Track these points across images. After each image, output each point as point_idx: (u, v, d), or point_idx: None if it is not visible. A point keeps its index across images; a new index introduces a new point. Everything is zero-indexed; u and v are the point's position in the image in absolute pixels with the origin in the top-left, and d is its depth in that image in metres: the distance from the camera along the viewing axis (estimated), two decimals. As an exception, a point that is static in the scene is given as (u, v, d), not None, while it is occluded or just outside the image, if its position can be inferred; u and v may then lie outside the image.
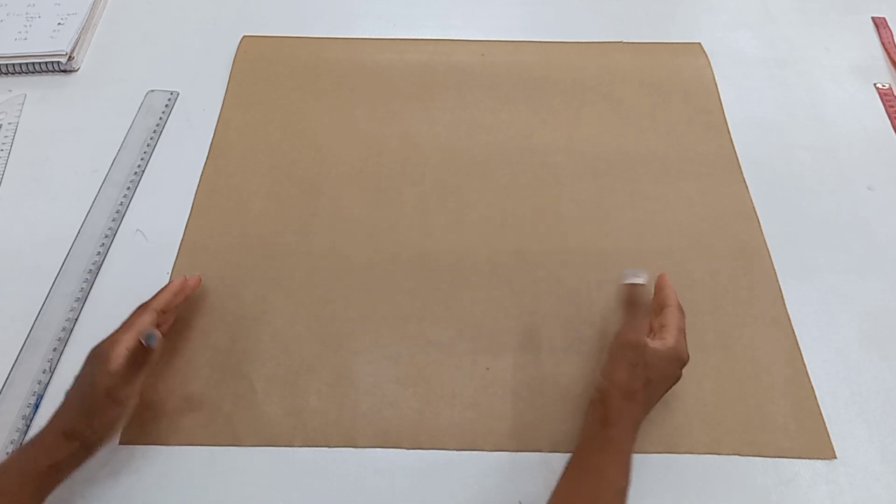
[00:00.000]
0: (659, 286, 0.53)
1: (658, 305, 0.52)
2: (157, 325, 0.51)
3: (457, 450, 0.51)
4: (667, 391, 0.49)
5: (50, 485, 0.43)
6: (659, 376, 0.48)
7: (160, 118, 0.71)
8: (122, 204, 0.64)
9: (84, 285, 0.59)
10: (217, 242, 0.62)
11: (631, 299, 0.50)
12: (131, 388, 0.46)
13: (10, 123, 0.71)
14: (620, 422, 0.46)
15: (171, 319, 0.55)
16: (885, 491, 0.50)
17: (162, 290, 0.53)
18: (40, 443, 0.44)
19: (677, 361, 0.48)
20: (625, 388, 0.46)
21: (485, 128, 0.71)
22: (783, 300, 0.59)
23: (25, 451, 0.44)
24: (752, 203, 0.65)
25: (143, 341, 0.46)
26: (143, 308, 0.50)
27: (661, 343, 0.48)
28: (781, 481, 0.50)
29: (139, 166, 0.67)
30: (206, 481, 0.50)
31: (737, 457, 0.51)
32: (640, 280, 0.50)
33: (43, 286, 0.59)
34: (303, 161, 0.68)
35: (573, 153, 0.69)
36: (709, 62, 0.77)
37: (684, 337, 0.50)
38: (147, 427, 0.51)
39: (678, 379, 0.49)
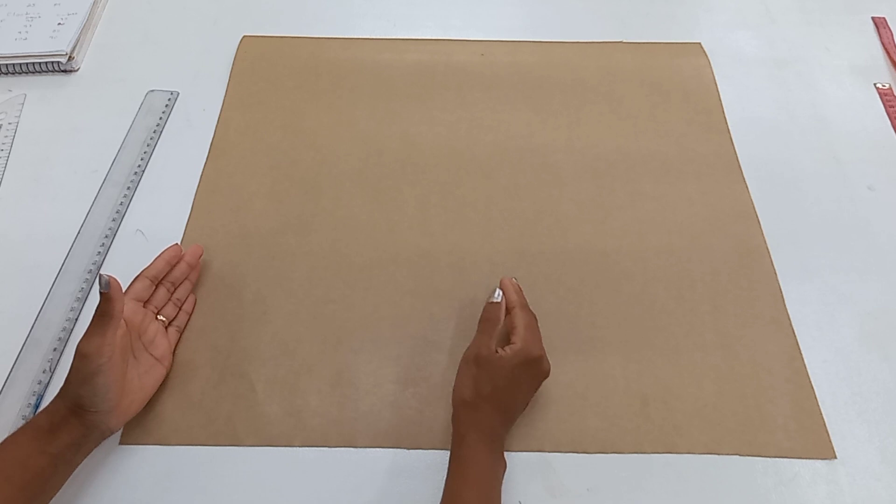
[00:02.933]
0: (503, 290, 0.52)
1: (507, 309, 0.52)
2: (167, 301, 0.55)
3: (457, 450, 0.51)
4: (531, 392, 0.50)
5: (53, 448, 0.44)
6: (508, 381, 0.48)
7: (160, 118, 0.71)
8: (122, 204, 0.64)
9: (84, 285, 0.59)
10: (217, 243, 0.62)
11: (486, 315, 0.51)
12: (98, 341, 0.44)
13: (10, 123, 0.71)
14: (469, 435, 0.46)
15: (188, 293, 0.57)
16: (885, 491, 0.50)
17: (156, 258, 0.55)
18: (36, 420, 0.45)
19: (528, 360, 0.49)
20: (467, 400, 0.48)
21: (485, 128, 0.71)
22: (783, 300, 0.59)
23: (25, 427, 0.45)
24: (752, 203, 0.65)
25: (100, 287, 0.44)
26: (136, 277, 0.53)
27: (509, 348, 0.49)
28: (781, 481, 0.50)
29: (139, 166, 0.67)
30: (206, 481, 0.50)
31: (737, 457, 0.51)
32: (498, 298, 0.51)
33: (43, 286, 0.59)
34: (303, 161, 0.68)
35: (573, 153, 0.69)
36: (709, 62, 0.77)
37: (533, 334, 0.50)
38: (147, 427, 0.51)
39: (543, 375, 0.50)
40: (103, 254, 0.61)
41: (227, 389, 0.54)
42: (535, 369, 0.50)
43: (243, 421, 0.52)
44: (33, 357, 0.54)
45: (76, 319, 0.57)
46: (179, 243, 0.60)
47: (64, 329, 0.56)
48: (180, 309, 0.56)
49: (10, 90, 0.73)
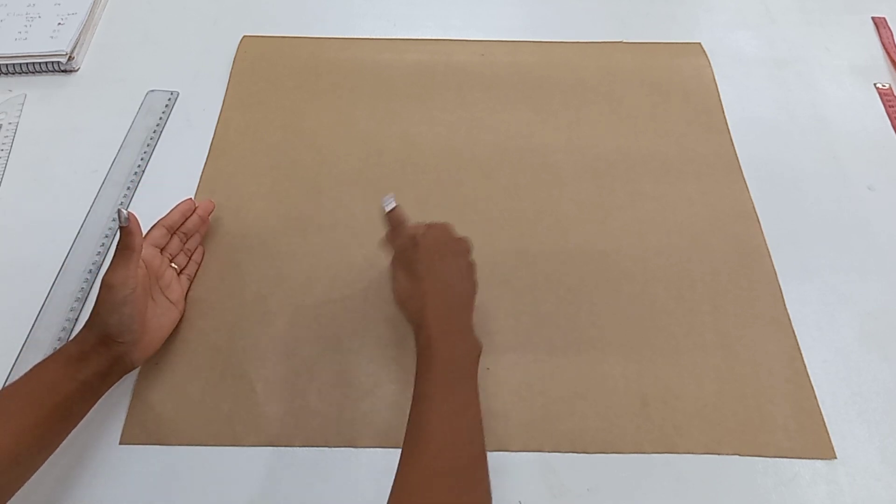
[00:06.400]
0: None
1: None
2: (180, 250, 0.58)
3: (457, 450, 0.51)
4: (466, 269, 0.51)
5: (82, 375, 0.46)
6: (436, 255, 0.50)
7: (160, 118, 0.71)
8: (122, 204, 0.64)
9: (84, 285, 0.59)
10: (217, 243, 0.62)
11: (391, 223, 0.53)
12: (123, 272, 0.47)
13: (10, 123, 0.71)
14: (424, 322, 0.47)
15: (198, 244, 0.60)
16: (885, 491, 0.50)
17: (171, 209, 0.58)
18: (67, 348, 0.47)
19: (443, 236, 0.52)
20: (409, 289, 0.50)
21: (485, 128, 0.71)
22: (783, 300, 0.59)
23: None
24: (752, 203, 0.65)
25: (119, 222, 0.47)
26: (153, 225, 0.56)
27: (414, 230, 0.52)
28: (781, 481, 0.50)
29: (139, 166, 0.67)
30: (206, 481, 0.50)
31: (737, 457, 0.51)
32: (393, 204, 0.53)
33: (43, 286, 0.59)
34: (303, 161, 0.68)
35: (573, 153, 0.69)
36: (709, 62, 0.77)
37: (433, 224, 0.53)
38: (147, 427, 0.51)
39: (465, 249, 0.52)
40: (103, 254, 0.61)
41: (227, 389, 0.54)
42: (453, 246, 0.52)
43: (243, 421, 0.52)
44: (33, 357, 0.54)
45: (76, 319, 0.57)
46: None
47: (64, 329, 0.56)
48: (190, 259, 0.59)
49: (10, 90, 0.73)
